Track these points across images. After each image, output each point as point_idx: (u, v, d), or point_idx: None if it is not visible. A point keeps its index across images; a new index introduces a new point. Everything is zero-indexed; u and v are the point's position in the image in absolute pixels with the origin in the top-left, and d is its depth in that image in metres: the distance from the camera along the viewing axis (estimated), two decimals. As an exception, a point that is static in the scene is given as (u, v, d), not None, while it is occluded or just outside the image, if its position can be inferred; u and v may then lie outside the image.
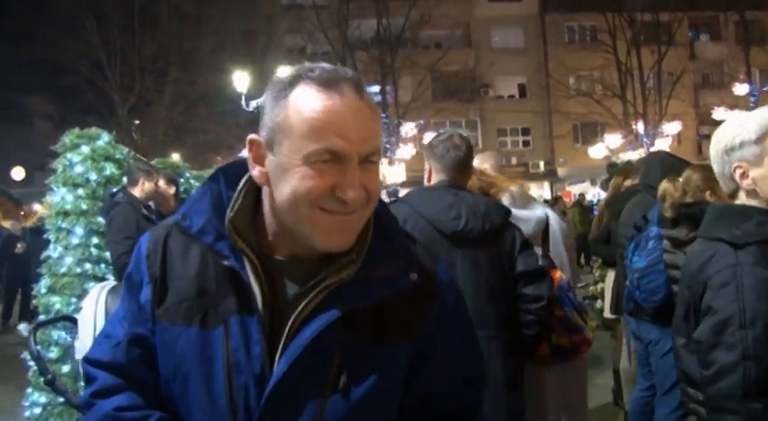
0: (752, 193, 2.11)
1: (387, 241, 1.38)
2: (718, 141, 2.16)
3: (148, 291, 1.36)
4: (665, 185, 3.99)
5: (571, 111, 32.72)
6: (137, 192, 5.64)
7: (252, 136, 1.31)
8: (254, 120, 22.74)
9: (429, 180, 3.17)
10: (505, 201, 3.30)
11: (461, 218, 2.89)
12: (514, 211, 3.15)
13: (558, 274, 3.11)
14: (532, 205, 3.49)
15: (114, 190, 5.66)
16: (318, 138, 1.20)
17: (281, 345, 1.28)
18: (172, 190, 6.41)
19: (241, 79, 17.13)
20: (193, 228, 1.35)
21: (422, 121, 29.22)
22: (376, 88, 31.37)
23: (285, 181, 1.24)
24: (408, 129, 29.09)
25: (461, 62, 34.48)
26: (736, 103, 25.38)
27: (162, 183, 6.28)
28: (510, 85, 36.33)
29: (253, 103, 17.57)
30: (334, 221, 1.24)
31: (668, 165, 4.57)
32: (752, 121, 2.07)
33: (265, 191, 1.33)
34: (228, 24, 27.70)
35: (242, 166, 1.39)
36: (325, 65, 1.27)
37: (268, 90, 1.28)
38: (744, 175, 2.09)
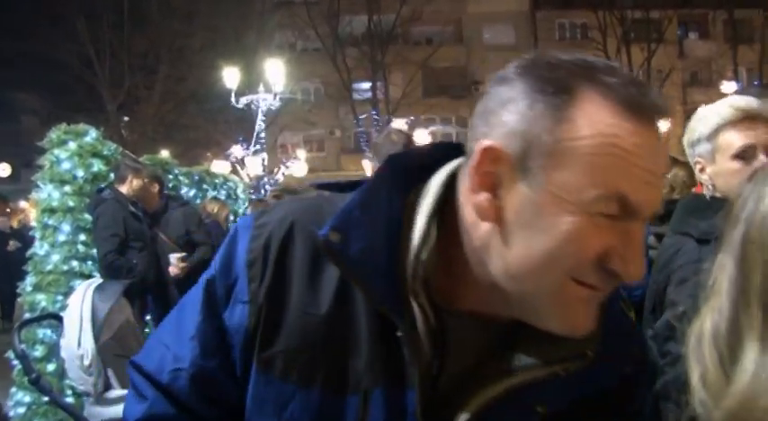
0: (714, 188, 2.12)
1: (618, 333, 0.99)
2: (686, 134, 2.18)
3: (244, 315, 0.97)
4: None
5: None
6: (124, 189, 5.61)
7: (490, 143, 0.84)
8: (243, 118, 22.74)
9: None
10: None
11: None
12: None
13: None
14: None
15: (101, 186, 5.63)
16: (611, 179, 0.81)
17: None
18: (155, 188, 6.36)
19: (231, 76, 17.02)
20: (352, 252, 0.90)
21: (412, 118, 29.22)
22: (366, 85, 31.39)
23: (536, 229, 0.83)
24: (399, 125, 29.11)
25: (452, 58, 34.47)
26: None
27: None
28: (501, 82, 36.43)
29: (242, 100, 17.50)
30: (586, 298, 0.86)
31: None
32: (708, 117, 2.08)
33: (475, 227, 0.89)
34: (219, 21, 27.58)
35: (417, 164, 0.99)
36: (623, 73, 0.87)
37: (523, 79, 0.87)
38: (702, 171, 2.12)
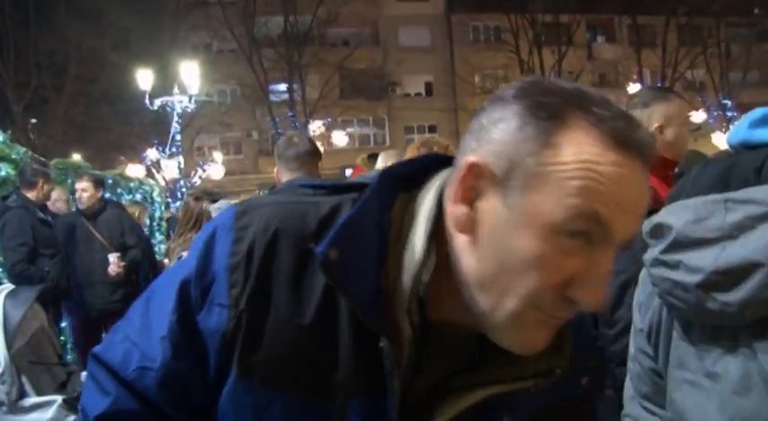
0: None
1: (584, 349, 1.03)
2: None
3: (223, 319, 0.93)
4: None
5: (477, 109, 33.30)
6: (33, 194, 5.45)
7: (476, 158, 0.86)
8: (158, 120, 22.32)
9: (278, 181, 3.37)
10: None
11: None
12: None
13: None
14: None
15: (5, 193, 5.48)
16: (587, 208, 0.81)
17: None
18: (99, 193, 6.30)
19: (144, 77, 16.70)
20: (346, 265, 0.88)
21: (329, 119, 29.32)
22: (283, 86, 31.24)
23: (505, 246, 0.84)
24: (316, 127, 29.11)
25: (369, 60, 34.67)
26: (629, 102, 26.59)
27: (85, 185, 6.24)
28: (417, 84, 36.83)
29: (157, 102, 17.19)
30: (543, 324, 0.87)
31: None
32: None
33: (456, 245, 0.90)
34: (131, 20, 26.96)
35: (401, 179, 0.98)
36: (609, 103, 0.87)
37: (519, 103, 0.88)
38: None
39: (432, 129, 35.65)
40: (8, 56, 25.97)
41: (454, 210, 0.88)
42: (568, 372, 0.95)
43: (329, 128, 28.49)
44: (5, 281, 5.25)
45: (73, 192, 7.62)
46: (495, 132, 0.86)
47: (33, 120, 27.40)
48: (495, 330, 0.88)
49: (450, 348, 0.95)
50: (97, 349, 1.05)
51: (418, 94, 36.88)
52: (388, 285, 0.91)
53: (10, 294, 3.86)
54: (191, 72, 16.62)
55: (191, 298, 0.96)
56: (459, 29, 36.14)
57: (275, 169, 3.37)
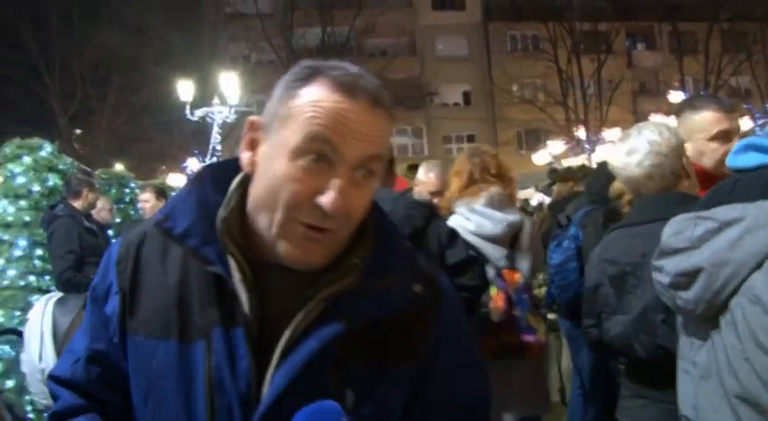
0: None
1: (390, 250, 1.25)
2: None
3: (116, 302, 1.24)
4: (616, 186, 4.10)
5: (515, 118, 33.26)
6: (78, 203, 5.54)
7: (253, 116, 1.21)
8: (197, 131, 22.59)
9: None
10: (482, 201, 3.38)
11: None
12: (485, 210, 3.31)
13: (516, 276, 3.23)
14: (510, 209, 3.54)
15: (53, 203, 5.58)
16: (315, 131, 1.09)
17: (273, 362, 1.14)
18: (161, 203, 6.38)
19: (185, 88, 16.92)
20: (177, 230, 1.20)
21: (368, 129, 29.35)
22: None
23: (270, 174, 1.13)
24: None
25: (406, 70, 34.70)
26: (671, 110, 26.08)
27: (147, 196, 6.39)
28: (455, 93, 36.76)
29: (197, 113, 17.37)
30: (306, 237, 1.12)
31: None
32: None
33: (251, 186, 1.20)
34: (172, 32, 27.39)
35: (229, 168, 1.28)
36: (350, 67, 1.17)
37: (284, 77, 1.19)
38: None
39: (470, 138, 35.54)
40: (54, 69, 26.56)
41: (243, 157, 1.20)
42: (397, 281, 1.20)
43: (367, 137, 28.54)
44: (54, 289, 5.34)
45: (118, 200, 7.75)
46: (270, 100, 1.19)
47: (78, 131, 27.93)
48: (277, 248, 1.14)
49: (286, 285, 1.18)
50: (50, 370, 1.36)
51: (456, 104, 36.80)
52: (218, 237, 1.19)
53: (59, 302, 3.91)
54: (230, 83, 16.81)
55: (98, 296, 1.28)
56: (497, 38, 35.97)
57: None
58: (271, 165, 1.13)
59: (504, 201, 3.45)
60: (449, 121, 34.74)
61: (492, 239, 3.33)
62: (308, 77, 1.14)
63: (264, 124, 1.18)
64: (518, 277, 3.25)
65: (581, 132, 30.55)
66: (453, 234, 3.06)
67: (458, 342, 1.31)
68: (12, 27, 24.84)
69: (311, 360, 1.12)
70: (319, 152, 1.10)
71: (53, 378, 1.33)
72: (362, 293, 1.18)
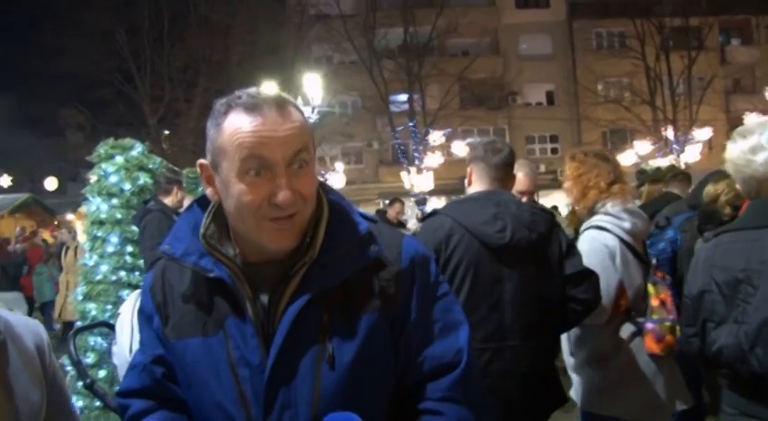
0: None
1: (341, 225, 1.54)
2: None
3: (157, 319, 1.59)
4: (710, 189, 3.96)
5: (600, 118, 32.42)
6: (169, 200, 5.77)
7: (200, 160, 1.52)
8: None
9: (470, 183, 3.10)
10: (631, 200, 3.46)
11: (507, 229, 2.80)
12: (636, 209, 3.40)
13: (661, 274, 3.30)
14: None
15: (147, 198, 5.78)
16: (244, 152, 1.38)
17: (272, 333, 1.47)
18: None
19: (269, 89, 17.16)
20: (177, 253, 1.53)
21: (449, 129, 29.20)
22: (403, 97, 31.42)
23: (229, 197, 1.43)
24: (436, 137, 29.10)
25: (489, 70, 34.40)
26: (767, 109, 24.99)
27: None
28: (538, 93, 36.17)
29: (281, 113, 17.63)
30: (278, 228, 1.42)
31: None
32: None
33: (225, 209, 1.50)
34: (257, 35, 27.91)
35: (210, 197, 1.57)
36: (250, 91, 1.47)
37: (209, 118, 1.48)
38: None
39: (553, 138, 34.96)
40: (145, 72, 27.46)
41: (207, 192, 1.54)
42: (353, 249, 1.50)
43: (449, 138, 28.37)
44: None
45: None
46: (207, 142, 1.49)
47: (166, 132, 28.80)
48: (261, 243, 1.45)
49: (272, 274, 1.49)
50: (118, 390, 1.70)
51: (539, 104, 36.20)
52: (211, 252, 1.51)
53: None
54: (313, 84, 17.02)
55: (144, 316, 1.63)
56: (582, 36, 35.16)
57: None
58: (227, 190, 1.43)
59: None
60: (532, 121, 34.21)
61: (638, 238, 3.37)
62: (224, 112, 1.44)
63: (210, 162, 1.48)
64: (664, 275, 3.31)
65: (669, 132, 29.59)
66: (573, 245, 3.04)
67: (427, 288, 1.57)
68: (107, 33, 25.84)
69: (291, 326, 1.43)
70: (255, 167, 1.39)
71: (122, 393, 1.64)
72: (326, 264, 1.48)
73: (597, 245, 3.25)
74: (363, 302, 1.50)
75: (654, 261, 3.39)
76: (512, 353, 2.78)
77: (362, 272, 1.50)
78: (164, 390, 1.59)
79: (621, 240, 3.26)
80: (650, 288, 3.25)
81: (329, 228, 1.53)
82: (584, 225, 3.39)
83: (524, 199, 3.94)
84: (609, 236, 3.26)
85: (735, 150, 2.37)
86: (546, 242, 2.89)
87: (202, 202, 1.61)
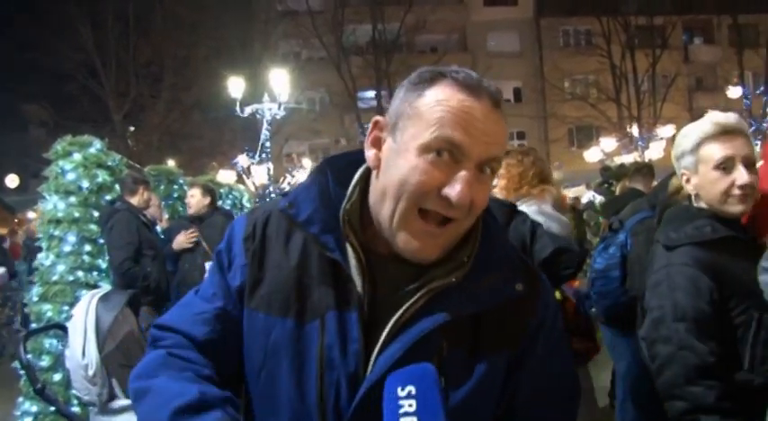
0: (698, 197, 2.29)
1: (495, 249, 1.35)
2: (673, 149, 2.36)
3: (241, 275, 1.35)
4: (675, 181, 3.92)
5: (566, 115, 32.74)
6: (135, 200, 5.72)
7: (377, 117, 1.30)
8: (247, 127, 22.79)
9: None
10: (549, 202, 3.40)
11: None
12: (553, 212, 3.35)
13: (577, 283, 3.16)
14: (562, 212, 3.53)
15: (109, 198, 5.68)
16: (443, 127, 1.19)
17: (378, 345, 1.24)
18: (207, 200, 6.53)
19: (236, 85, 17.04)
20: (301, 217, 1.31)
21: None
22: (371, 93, 31.40)
23: (396, 167, 1.22)
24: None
25: (457, 66, 34.40)
26: (729, 106, 25.25)
27: (194, 191, 6.58)
28: (506, 90, 36.29)
29: (247, 109, 17.48)
30: (424, 231, 1.23)
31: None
32: (691, 132, 2.25)
33: (374, 181, 1.31)
34: (224, 30, 27.68)
35: (349, 160, 1.40)
36: (470, 72, 1.26)
37: (406, 80, 1.28)
38: (687, 182, 2.29)
39: (520, 135, 35.15)
40: (110, 67, 27.08)
41: (368, 154, 1.31)
42: (500, 279, 1.30)
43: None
44: (102, 284, 5.40)
45: (166, 196, 7.84)
46: (393, 101, 1.28)
47: (131, 128, 28.45)
48: (396, 239, 1.24)
49: (396, 274, 1.28)
50: (159, 320, 1.43)
51: (507, 100, 36.35)
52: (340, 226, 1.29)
53: (102, 298, 3.93)
54: (280, 80, 16.85)
55: (223, 262, 1.39)
56: (549, 33, 35.49)
57: None
58: (398, 159, 1.22)
59: (559, 205, 3.42)
60: (499, 118, 34.35)
61: None
62: (432, 79, 1.24)
63: (389, 123, 1.27)
64: (579, 283, 3.18)
65: (634, 129, 29.94)
66: (535, 231, 3.06)
67: (554, 338, 1.37)
68: (71, 27, 25.44)
69: (412, 346, 1.21)
70: (447, 148, 1.19)
71: (162, 326, 1.40)
72: (466, 289, 1.27)
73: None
74: (488, 340, 1.29)
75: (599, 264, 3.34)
76: None
77: (498, 307, 1.30)
78: (216, 350, 1.34)
79: None
80: (557, 294, 3.21)
81: (482, 248, 1.32)
82: None
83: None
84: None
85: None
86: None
87: (336, 166, 1.38)
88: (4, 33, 25.98)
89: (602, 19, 31.80)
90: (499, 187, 3.50)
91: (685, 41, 35.84)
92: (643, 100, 31.57)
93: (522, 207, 3.32)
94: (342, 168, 1.38)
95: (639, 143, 27.11)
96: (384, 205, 1.25)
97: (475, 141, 1.19)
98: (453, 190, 1.18)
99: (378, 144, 1.29)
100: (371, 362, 1.23)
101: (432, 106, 1.20)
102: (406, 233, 1.23)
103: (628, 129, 30.23)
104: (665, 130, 27.39)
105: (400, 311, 1.24)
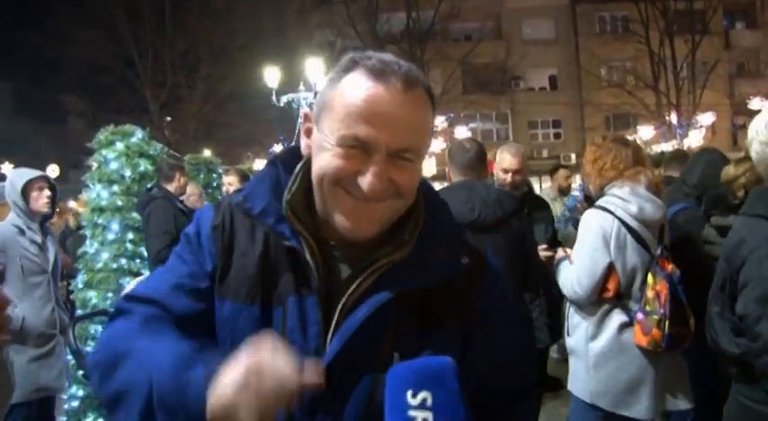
0: None
1: (438, 226, 1.39)
2: (759, 135, 2.24)
3: (212, 263, 1.38)
4: (731, 169, 3.85)
5: (603, 103, 32.28)
6: (171, 187, 5.75)
7: (306, 109, 1.39)
8: (283, 116, 22.88)
9: (449, 179, 3.87)
10: (644, 184, 3.38)
11: (475, 209, 3.50)
12: (647, 193, 3.31)
13: (671, 267, 3.16)
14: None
15: (149, 185, 5.75)
16: (350, 123, 1.22)
17: (333, 325, 1.28)
18: (233, 187, 6.59)
19: (271, 75, 17.13)
20: (255, 210, 1.35)
21: (452, 114, 29.06)
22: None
23: (319, 156, 1.27)
24: (438, 122, 28.99)
25: (492, 54, 34.19)
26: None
27: (231, 178, 6.69)
28: (541, 77, 36.00)
29: (283, 99, 17.58)
30: (356, 205, 1.25)
31: (713, 166, 4.39)
32: None
33: (312, 168, 1.34)
34: (259, 20, 27.79)
35: (296, 151, 1.44)
36: (383, 55, 1.29)
37: (330, 71, 1.32)
38: None
39: (556, 123, 34.81)
40: (146, 58, 27.40)
41: (302, 144, 1.38)
42: (444, 254, 1.34)
43: (452, 123, 28.26)
44: (145, 271, 5.49)
45: (206, 185, 7.92)
46: (320, 93, 1.32)
47: (168, 118, 28.75)
48: (334, 220, 1.28)
49: (347, 257, 1.35)
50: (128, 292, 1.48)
51: (542, 88, 36.04)
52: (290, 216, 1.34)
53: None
54: (316, 69, 16.89)
55: (192, 244, 1.42)
56: (585, 20, 34.97)
57: (447, 169, 3.87)
58: (321, 149, 1.27)
59: (653, 190, 3.41)
60: (535, 106, 34.08)
61: (649, 225, 3.28)
62: (347, 69, 1.27)
63: (315, 115, 1.32)
64: (673, 268, 3.17)
65: (672, 117, 29.44)
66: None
67: (505, 311, 1.45)
68: (108, 19, 25.77)
69: (362, 323, 1.25)
70: (353, 144, 1.22)
71: (130, 297, 1.41)
72: (413, 265, 1.31)
73: (593, 225, 3.28)
74: (438, 315, 1.33)
75: (659, 251, 3.29)
76: None
77: (445, 281, 1.33)
78: (187, 319, 1.36)
79: (624, 223, 3.23)
80: (649, 277, 3.21)
81: (426, 225, 1.36)
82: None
83: (510, 177, 4.44)
84: (609, 217, 3.25)
85: (757, 127, 2.33)
86: (512, 217, 3.59)
87: (285, 158, 1.44)
88: (42, 26, 26.41)
89: (639, 4, 31.19)
90: (585, 173, 3.55)
91: (726, 26, 35.02)
92: (682, 87, 30.93)
93: (614, 189, 3.34)
94: (291, 159, 1.43)
95: (678, 131, 26.68)
96: (317, 190, 1.30)
97: (380, 132, 1.21)
98: (364, 181, 1.22)
99: (309, 133, 1.35)
100: (329, 342, 1.28)
101: (340, 99, 1.24)
102: (338, 213, 1.27)
103: (666, 117, 29.75)
104: (705, 118, 26.92)
105: (350, 290, 1.29)
